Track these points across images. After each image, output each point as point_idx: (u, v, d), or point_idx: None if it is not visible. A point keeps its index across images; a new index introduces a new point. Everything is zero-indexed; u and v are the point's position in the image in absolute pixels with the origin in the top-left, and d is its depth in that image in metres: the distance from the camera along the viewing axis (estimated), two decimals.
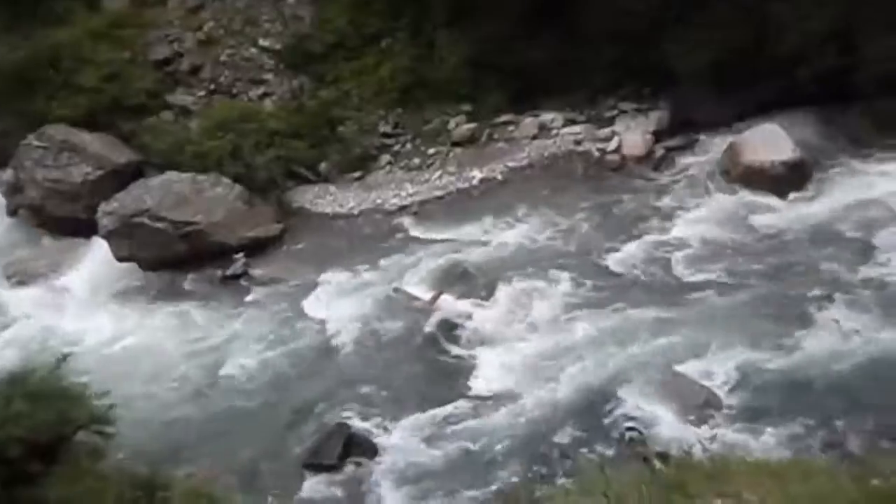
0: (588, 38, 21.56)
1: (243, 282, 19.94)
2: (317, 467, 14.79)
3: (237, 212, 20.94)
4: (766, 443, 13.64)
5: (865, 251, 17.07)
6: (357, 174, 22.55)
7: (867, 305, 15.64)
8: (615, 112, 22.16)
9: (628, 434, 14.29)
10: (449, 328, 17.27)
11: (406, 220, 20.95)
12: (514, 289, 17.96)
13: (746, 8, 20.45)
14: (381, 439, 15.08)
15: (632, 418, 14.52)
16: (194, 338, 18.38)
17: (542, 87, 22.34)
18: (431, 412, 15.40)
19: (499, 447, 14.56)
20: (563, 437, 14.50)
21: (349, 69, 24.01)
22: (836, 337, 15.11)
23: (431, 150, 22.73)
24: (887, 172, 19.01)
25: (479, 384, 16.02)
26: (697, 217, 19.19)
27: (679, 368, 15.24)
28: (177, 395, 16.84)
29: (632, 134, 21.56)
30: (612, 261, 18.40)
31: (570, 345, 16.37)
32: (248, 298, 19.42)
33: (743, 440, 13.75)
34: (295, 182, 22.38)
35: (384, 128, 23.39)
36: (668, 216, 19.39)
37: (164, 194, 20.92)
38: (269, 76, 24.29)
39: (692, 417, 14.36)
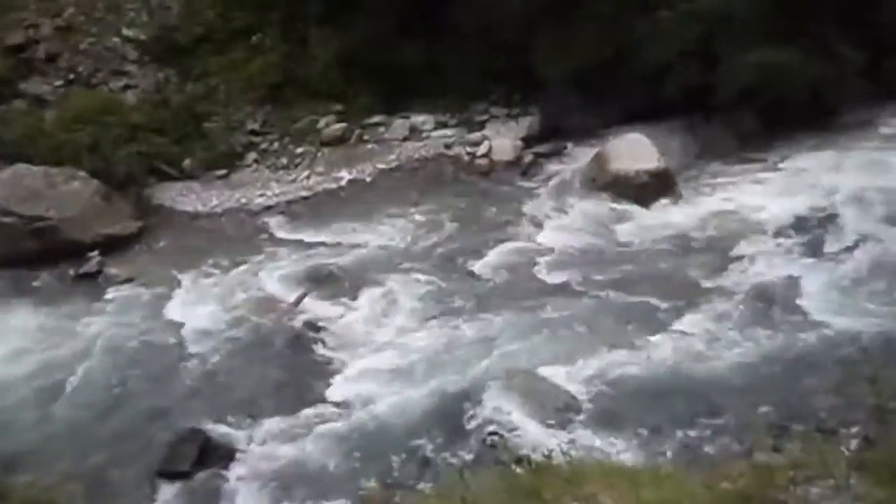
0: (461, 41, 21.65)
1: (99, 281, 19.14)
2: (170, 475, 14.19)
3: (93, 208, 20.10)
4: (623, 447, 13.75)
5: (724, 259, 17.43)
6: (222, 172, 22.01)
7: (724, 313, 15.94)
8: (486, 117, 22.30)
9: (489, 438, 14.23)
10: (312, 331, 16.93)
11: (272, 221, 20.55)
12: (379, 291, 17.77)
13: (611, 21, 20.82)
14: (238, 445, 14.59)
15: (493, 422, 14.44)
16: (40, 339, 17.49)
17: (415, 89, 22.29)
18: (292, 416, 15.01)
19: (360, 452, 14.27)
20: (424, 441, 14.30)
21: (217, 64, 23.45)
22: (692, 343, 15.38)
23: (300, 150, 22.38)
24: (744, 183, 19.57)
25: (342, 388, 15.71)
26: (563, 224, 19.37)
27: (540, 372, 15.25)
28: (19, 400, 15.97)
29: (502, 139, 21.71)
30: (478, 265, 18.39)
31: (433, 348, 16.22)
32: (103, 299, 18.59)
33: (601, 444, 13.82)
34: (157, 179, 21.69)
35: (252, 125, 22.92)
36: (534, 222, 19.52)
37: (13, 188, 19.94)
38: (132, 68, 23.52)
39: (552, 421, 14.36)
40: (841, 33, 20.21)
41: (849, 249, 17.10)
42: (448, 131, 22.21)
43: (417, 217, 20.06)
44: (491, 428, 14.34)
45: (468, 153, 21.68)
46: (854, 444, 11.51)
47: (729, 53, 20.23)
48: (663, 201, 19.42)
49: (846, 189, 18.48)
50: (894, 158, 19.31)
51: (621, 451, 13.61)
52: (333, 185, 21.32)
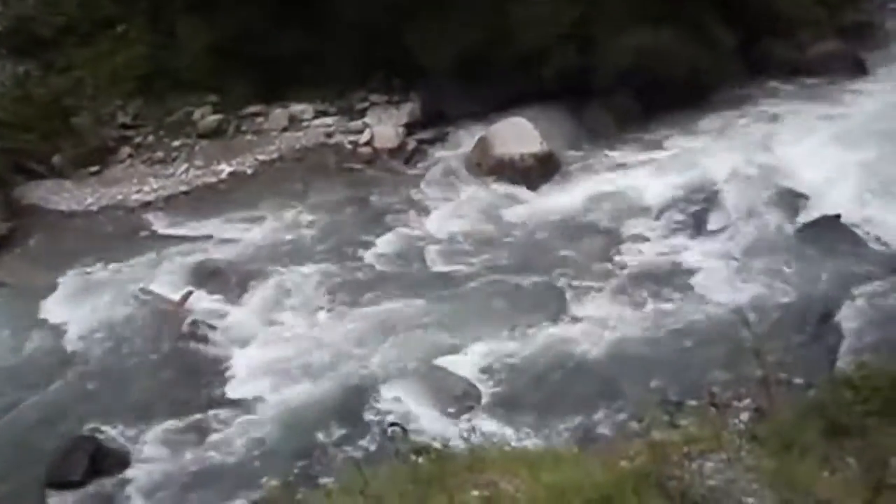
0: (338, 27, 21.31)
1: None
2: (61, 485, 13.61)
3: None
4: (524, 432, 13.86)
5: (612, 240, 17.71)
6: (95, 168, 21.15)
7: (614, 293, 16.24)
8: (366, 104, 22.03)
9: (390, 430, 14.12)
10: (200, 329, 16.44)
11: (151, 217, 19.87)
12: (268, 286, 17.40)
13: (489, 5, 20.85)
14: (132, 450, 14.11)
15: (392, 413, 14.36)
16: None
17: (293, 78, 21.83)
18: (186, 418, 14.60)
19: (258, 451, 13.99)
20: (323, 436, 14.12)
21: (82, 56, 22.52)
22: (586, 324, 15.60)
23: (176, 143, 21.70)
24: (627, 164, 19.90)
25: (235, 386, 15.35)
26: (450, 210, 19.32)
27: (437, 361, 15.23)
28: None
29: (383, 126, 21.50)
30: (367, 255, 18.20)
31: (327, 341, 16.00)
32: None
33: (501, 430, 13.87)
34: (25, 177, 20.69)
35: (123, 119, 22.11)
36: (421, 209, 19.42)
37: None
38: None
39: (452, 410, 14.39)
40: (714, 16, 20.70)
41: (731, 226, 17.58)
42: (328, 120, 21.85)
43: (302, 208, 19.69)
44: (391, 419, 14.25)
45: (350, 142, 21.40)
46: (746, 416, 11.91)
47: (605, 36, 20.50)
48: (549, 184, 19.59)
49: (726, 166, 18.94)
50: (769, 135, 19.93)
51: (522, 435, 13.72)
52: (213, 179, 20.75)
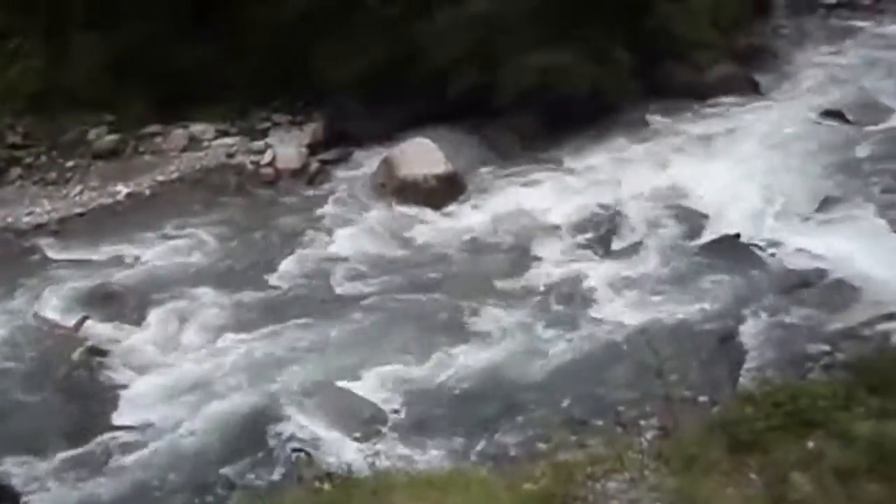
0: (239, 46, 21.01)
1: None
2: None
3: None
4: (431, 455, 13.69)
5: (518, 260, 17.71)
6: None
7: (522, 314, 16.20)
8: (269, 124, 21.73)
9: (294, 456, 13.83)
10: (96, 356, 15.88)
11: (43, 240, 19.16)
12: (167, 310, 16.92)
13: (392, 24, 20.79)
14: (24, 484, 13.45)
15: (297, 439, 14.06)
16: None
17: (193, 97, 21.38)
18: (81, 449, 14.02)
19: (157, 481, 13.52)
20: (225, 464, 13.71)
21: None
22: (493, 346, 15.54)
23: (70, 163, 21.04)
24: (531, 184, 19.94)
25: (133, 414, 14.84)
26: (355, 231, 19.09)
27: (343, 384, 14.99)
28: None
29: (286, 147, 21.20)
30: (270, 277, 17.85)
31: (229, 366, 15.61)
32: None
33: (409, 454, 13.71)
34: None
35: (13, 138, 21.35)
36: (325, 231, 19.15)
37: None
38: None
39: (358, 434, 14.15)
40: (612, 37, 20.99)
41: (635, 245, 17.77)
42: (230, 140, 21.46)
43: (203, 230, 19.25)
44: (294, 445, 13.96)
45: (252, 162, 21.04)
46: (651, 435, 11.96)
47: (507, 56, 20.59)
48: (454, 205, 19.52)
49: (629, 186, 19.21)
50: (670, 155, 20.24)
51: (429, 459, 13.56)
52: (110, 200, 20.15)
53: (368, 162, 20.87)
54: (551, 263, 17.49)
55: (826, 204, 18.24)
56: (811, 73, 22.79)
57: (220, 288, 17.51)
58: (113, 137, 21.32)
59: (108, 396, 15.21)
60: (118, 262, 18.38)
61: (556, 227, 18.50)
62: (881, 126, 20.68)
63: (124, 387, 15.35)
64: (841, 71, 22.77)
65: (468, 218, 19.15)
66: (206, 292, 17.39)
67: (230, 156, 21.20)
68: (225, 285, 17.59)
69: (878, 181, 18.74)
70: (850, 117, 20.94)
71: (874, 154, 19.68)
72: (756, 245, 17.36)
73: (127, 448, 14.07)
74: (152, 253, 18.64)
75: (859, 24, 24.92)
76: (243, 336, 16.29)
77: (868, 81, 22.29)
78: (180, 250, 18.72)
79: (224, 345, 16.18)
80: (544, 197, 19.39)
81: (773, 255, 17.08)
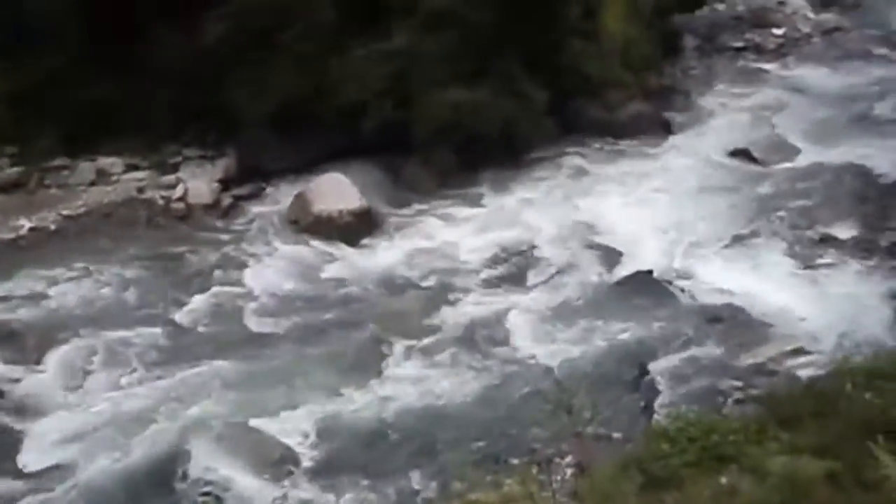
0: (151, 79, 20.57)
1: None
2: None
3: None
4: (342, 497, 13.51)
5: (430, 297, 17.60)
6: None
7: (436, 351, 16.08)
8: (180, 158, 21.29)
9: (202, 500, 13.44)
10: None
11: None
12: (70, 349, 16.40)
13: (306, 59, 20.65)
14: None
15: (205, 482, 13.69)
16: None
17: (102, 130, 20.84)
18: None
19: None
20: None
21: None
22: (407, 384, 15.36)
23: None
24: (446, 220, 19.92)
25: (32, 458, 14.30)
26: (268, 268, 18.79)
27: (254, 424, 14.68)
28: None
29: (198, 181, 20.80)
30: (180, 315, 17.44)
31: (135, 407, 15.17)
32: None
33: (320, 496, 13.52)
34: None
35: None
36: (238, 267, 18.79)
37: None
38: None
39: (268, 476, 13.89)
40: (526, 75, 21.15)
41: (549, 282, 17.82)
42: (140, 174, 20.96)
43: (110, 266, 18.70)
44: (203, 488, 13.59)
45: (163, 197, 20.57)
46: (568, 472, 11.91)
47: (421, 92, 20.60)
48: (368, 240, 19.36)
49: (542, 223, 19.31)
50: (582, 192, 20.41)
51: (340, 501, 13.36)
52: (12, 235, 19.46)
53: (282, 197, 20.61)
54: (466, 300, 17.44)
55: (736, 241, 18.57)
56: (720, 113, 23.28)
57: (127, 326, 17.04)
58: (16, 170, 20.65)
59: (5, 440, 14.58)
60: (20, 299, 17.74)
61: (471, 263, 18.48)
62: (787, 165, 21.20)
63: (22, 430, 14.77)
64: (748, 111, 23.30)
65: (383, 254, 18.99)
66: (112, 330, 16.90)
67: (140, 190, 20.71)
68: (132, 323, 17.12)
69: (785, 218, 19.15)
70: (757, 156, 21.42)
71: (780, 192, 20.14)
72: (668, 281, 17.57)
73: (25, 493, 13.55)
74: (56, 289, 18.03)
75: (765, 66, 25.60)
76: (150, 375, 15.89)
77: (774, 121, 22.84)
78: (86, 287, 18.16)
79: (130, 385, 15.74)
80: (459, 233, 19.39)
81: (684, 291, 17.29)
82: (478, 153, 20.68)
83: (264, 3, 20.22)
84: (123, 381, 15.83)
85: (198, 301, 17.76)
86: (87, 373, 16.00)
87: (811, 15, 27.69)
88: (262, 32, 20.40)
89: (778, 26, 27.27)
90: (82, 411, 15.16)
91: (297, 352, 16.35)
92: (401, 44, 20.78)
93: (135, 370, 16.03)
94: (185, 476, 13.78)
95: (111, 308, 17.64)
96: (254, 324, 17.21)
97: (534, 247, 18.72)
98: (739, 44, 26.51)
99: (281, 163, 21.04)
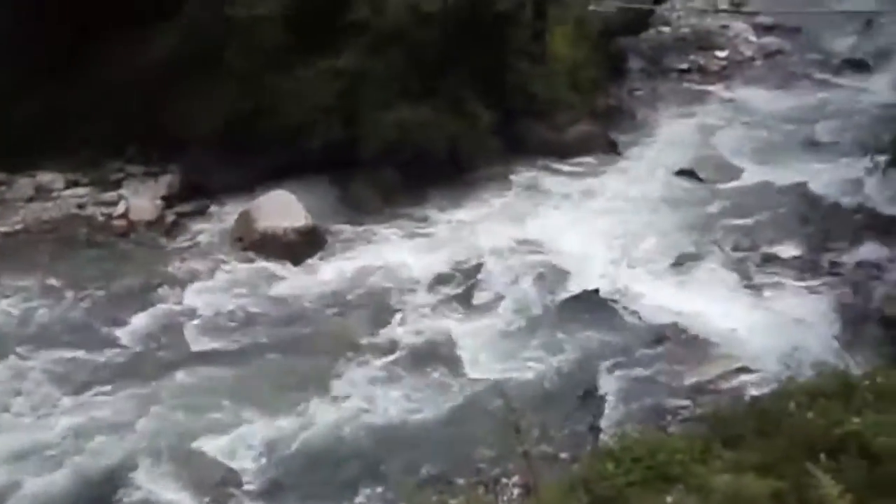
0: (92, 94, 20.28)
1: None
2: None
3: None
4: None
5: (379, 316, 17.43)
6: None
7: (382, 370, 15.91)
8: (122, 175, 20.98)
9: None
10: None
11: None
12: (4, 369, 15.95)
13: (252, 77, 20.50)
14: None
15: None
16: None
17: (41, 146, 20.49)
18: None
19: None
20: None
21: None
22: (353, 404, 15.18)
23: None
24: (393, 238, 19.78)
25: None
26: (211, 285, 18.48)
27: (195, 446, 14.40)
28: None
29: (140, 198, 20.49)
30: (119, 334, 17.10)
31: (73, 429, 14.79)
32: None
33: None
34: None
35: None
36: (180, 285, 18.47)
37: None
38: None
39: (209, 498, 13.63)
40: (474, 94, 21.18)
41: (496, 300, 17.74)
42: (81, 190, 20.61)
43: (49, 284, 18.30)
44: None
45: (104, 214, 20.22)
46: (515, 493, 11.84)
47: (368, 110, 20.55)
48: (314, 259, 19.16)
49: (489, 242, 19.26)
50: (530, 212, 20.43)
51: None
52: None
53: (227, 215, 20.35)
54: (412, 319, 17.30)
55: (681, 260, 18.69)
56: (665, 134, 23.51)
57: (65, 345, 16.68)
58: None
59: None
60: None
61: (417, 282, 18.34)
62: (731, 184, 21.44)
63: None
64: (693, 132, 23.57)
65: (328, 272, 18.79)
66: (50, 351, 16.52)
67: (81, 206, 20.34)
68: (71, 343, 16.75)
69: (730, 237, 19.33)
70: (702, 176, 21.64)
71: (725, 211, 20.34)
72: (614, 300, 17.61)
73: None
74: None
75: (708, 88, 25.95)
76: (89, 396, 15.54)
77: (718, 142, 23.12)
78: (22, 305, 17.73)
79: (68, 406, 15.36)
80: (406, 251, 19.25)
81: (630, 310, 17.34)
82: (425, 172, 20.61)
83: (211, 21, 20.02)
84: (61, 402, 15.43)
85: (139, 319, 17.42)
86: (22, 394, 15.56)
87: (753, 38, 28.12)
88: (208, 49, 20.22)
89: (721, 49, 27.67)
90: (17, 433, 14.74)
91: (240, 371, 16.09)
92: (348, 63, 20.73)
93: (73, 390, 15.64)
94: (123, 499, 13.49)
95: (49, 327, 17.24)
96: (196, 342, 16.91)
97: (481, 265, 18.65)
98: (684, 66, 26.84)
99: (226, 180, 20.80)
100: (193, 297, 18.16)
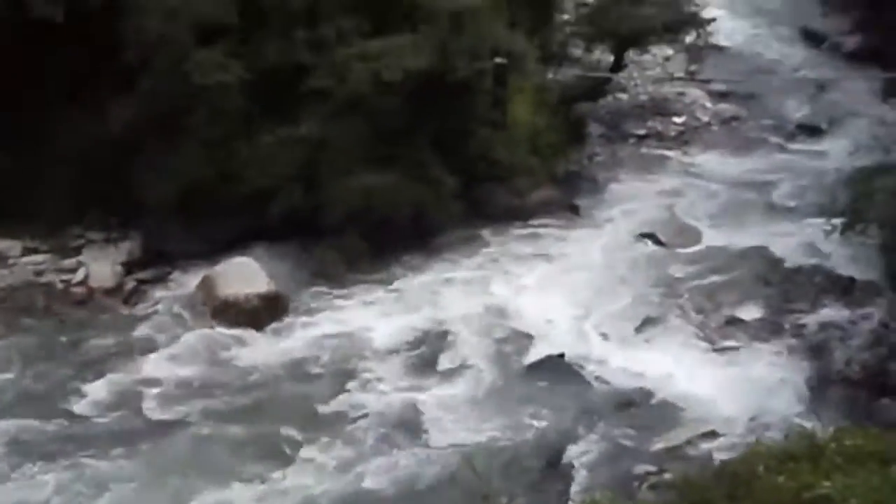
0: (52, 160, 20.09)
1: None
2: None
3: None
4: None
5: (342, 383, 17.23)
6: None
7: (346, 439, 15.72)
8: (82, 241, 20.67)
9: None
10: None
11: None
12: None
13: (213, 144, 20.45)
14: None
15: None
16: None
17: None
18: None
19: None
20: None
21: None
22: (317, 473, 14.95)
23: None
24: (357, 305, 19.57)
25: None
26: (171, 354, 18.20)
27: None
28: None
29: (100, 265, 20.20)
30: (76, 404, 16.82)
31: (23, 503, 14.37)
32: None
33: None
34: None
35: None
36: (139, 353, 18.18)
37: None
38: None
39: None
40: (436, 160, 21.25)
41: (461, 367, 17.63)
42: (39, 258, 20.27)
43: (3, 353, 17.94)
44: None
45: (63, 281, 19.90)
46: None
47: (331, 177, 20.52)
48: (277, 325, 18.95)
49: (454, 308, 19.14)
50: (493, 277, 20.39)
51: None
52: None
53: (188, 281, 20.07)
54: (377, 386, 17.13)
55: (646, 324, 18.73)
56: (626, 198, 23.64)
57: (19, 417, 16.33)
58: None
59: None
60: None
61: (382, 348, 18.20)
62: (692, 248, 21.57)
63: None
64: (653, 195, 23.73)
65: (291, 339, 18.59)
66: (4, 423, 16.11)
67: (38, 274, 20.01)
68: (25, 414, 16.41)
69: (693, 301, 19.42)
70: (663, 239, 21.77)
71: (687, 274, 20.44)
72: (580, 365, 17.58)
73: None
74: None
75: (667, 153, 26.16)
76: (43, 468, 15.19)
77: (678, 205, 23.30)
78: None
79: (21, 478, 15.00)
80: (370, 318, 19.09)
81: (597, 375, 17.31)
82: (388, 237, 20.56)
83: (173, 89, 19.98)
84: (13, 474, 15.05)
85: (96, 389, 17.13)
86: None
87: (709, 104, 28.54)
88: (169, 116, 20.15)
89: (678, 115, 28.03)
90: None
91: (200, 441, 15.80)
92: (310, 129, 20.75)
93: (27, 463, 15.28)
94: None
95: (2, 398, 16.85)
96: (155, 412, 16.63)
97: (445, 331, 18.52)
98: (642, 131, 27.12)
99: (187, 246, 20.58)
100: (152, 365, 17.88)
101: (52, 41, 19.34)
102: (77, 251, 20.56)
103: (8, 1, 18.66)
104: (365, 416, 16.34)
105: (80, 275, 20.01)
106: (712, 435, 15.35)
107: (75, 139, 20.04)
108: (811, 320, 18.63)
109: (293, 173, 20.57)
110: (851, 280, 19.77)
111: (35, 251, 20.45)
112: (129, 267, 20.32)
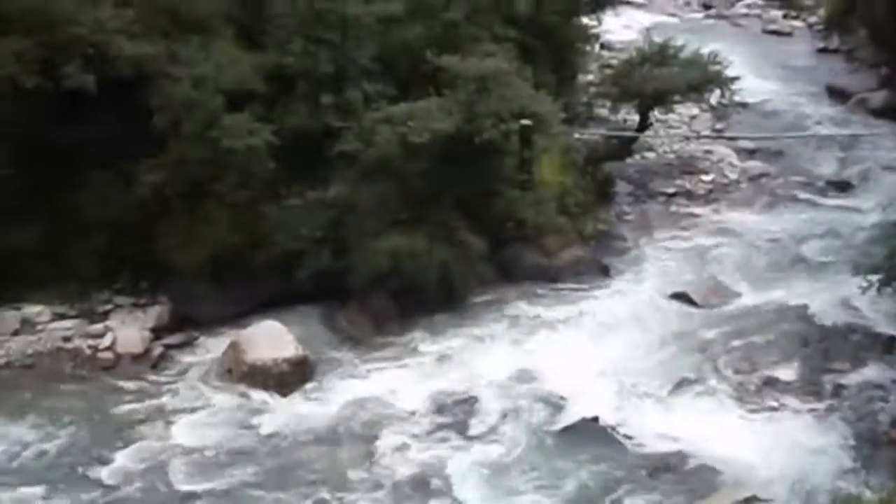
0: (79, 226, 20.17)
1: None
2: None
3: None
4: None
5: (371, 448, 16.99)
6: None
7: None
8: (110, 306, 20.66)
9: None
10: None
11: None
12: None
13: (241, 209, 20.49)
14: None
15: None
16: None
17: (28, 277, 20.23)
18: None
19: None
20: None
21: None
22: None
23: None
24: (383, 369, 19.37)
25: None
26: (199, 420, 18.02)
27: None
28: None
29: (127, 330, 20.15)
30: (103, 472, 16.63)
31: None
32: None
33: None
34: None
35: None
36: (167, 419, 18.01)
37: None
38: None
39: None
40: (464, 222, 21.16)
41: (492, 430, 17.34)
42: (67, 323, 20.26)
43: (31, 420, 17.83)
44: None
45: (90, 346, 19.85)
46: None
47: (359, 240, 20.47)
48: (304, 390, 18.75)
49: (484, 370, 18.87)
50: (524, 339, 20.12)
51: None
52: None
53: (215, 346, 19.94)
54: (406, 450, 16.86)
55: (680, 386, 18.38)
56: (656, 257, 23.43)
57: (47, 485, 16.16)
58: None
59: None
60: None
61: (410, 413, 17.93)
62: (725, 308, 21.27)
63: None
64: (684, 255, 23.50)
65: (320, 403, 18.37)
66: (31, 490, 16.01)
67: (67, 339, 19.99)
68: (53, 482, 16.25)
69: (728, 362, 19.08)
70: (696, 299, 21.48)
71: (722, 334, 20.11)
72: (614, 428, 17.22)
73: None
74: None
75: (696, 210, 25.99)
76: None
77: (709, 264, 23.04)
78: (4, 443, 17.19)
79: None
80: (398, 381, 18.84)
81: (630, 438, 16.95)
82: (416, 300, 20.45)
83: (201, 154, 20.07)
84: None
85: (123, 457, 16.96)
86: None
87: (737, 162, 28.40)
88: (197, 181, 20.23)
89: (706, 173, 27.90)
90: None
91: None
92: (337, 193, 20.77)
93: None
94: None
95: (30, 465, 16.75)
96: (182, 481, 16.39)
97: (475, 394, 18.25)
98: (671, 189, 26.97)
99: (215, 310, 20.53)
100: (179, 432, 17.70)
101: (82, 107, 19.52)
102: (105, 316, 20.54)
103: (43, 71, 18.88)
104: (392, 482, 16.07)
105: (107, 340, 19.96)
106: (754, 500, 14.91)
107: (104, 204, 20.13)
108: (852, 380, 18.25)
109: (321, 236, 20.58)
110: (892, 339, 19.41)
111: (63, 316, 20.46)
112: (157, 332, 20.27)
